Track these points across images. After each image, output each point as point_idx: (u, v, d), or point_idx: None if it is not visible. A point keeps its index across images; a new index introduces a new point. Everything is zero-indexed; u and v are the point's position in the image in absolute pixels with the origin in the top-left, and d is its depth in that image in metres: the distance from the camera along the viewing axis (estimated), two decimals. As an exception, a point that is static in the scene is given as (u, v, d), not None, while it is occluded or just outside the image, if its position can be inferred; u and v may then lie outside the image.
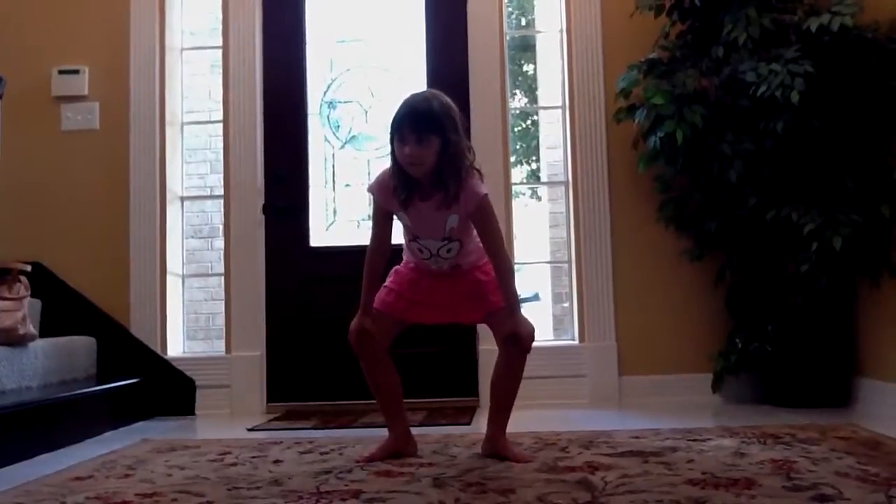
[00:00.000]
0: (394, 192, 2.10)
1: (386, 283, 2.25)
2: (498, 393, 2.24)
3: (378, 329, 2.19)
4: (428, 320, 2.28)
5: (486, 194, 2.09)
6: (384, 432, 2.31)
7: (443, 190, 2.05)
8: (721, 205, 3.11)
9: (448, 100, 2.09)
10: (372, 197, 2.20)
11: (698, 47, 3.16)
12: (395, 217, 2.20)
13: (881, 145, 2.86)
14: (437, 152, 2.02)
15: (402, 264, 2.28)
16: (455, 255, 2.18)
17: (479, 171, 2.13)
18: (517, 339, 2.12)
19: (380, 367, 2.24)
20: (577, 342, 3.51)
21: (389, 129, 2.07)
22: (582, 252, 3.49)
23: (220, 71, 3.74)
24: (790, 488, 1.70)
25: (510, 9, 4.99)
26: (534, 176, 6.76)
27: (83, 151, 3.63)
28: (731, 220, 3.11)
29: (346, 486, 1.88)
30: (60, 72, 3.64)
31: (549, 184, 5.34)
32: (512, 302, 2.14)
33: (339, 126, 3.94)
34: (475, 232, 2.17)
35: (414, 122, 2.01)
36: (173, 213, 3.70)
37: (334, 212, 4.02)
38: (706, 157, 3.02)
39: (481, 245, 2.18)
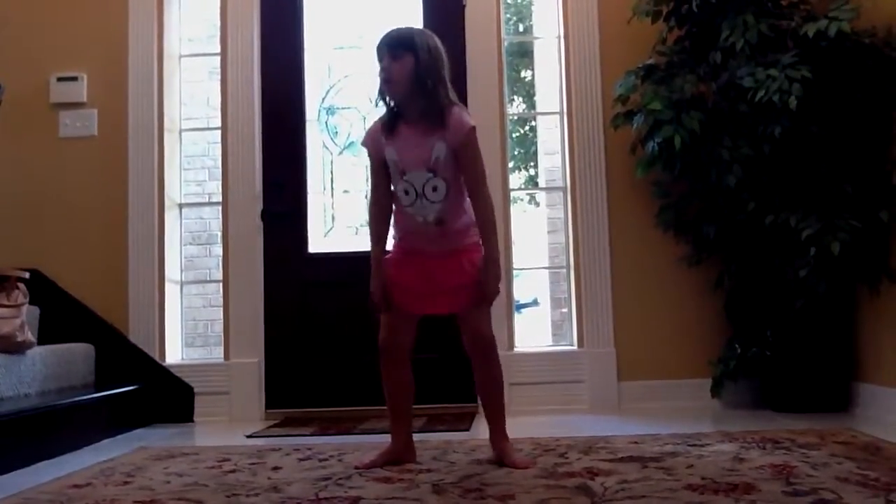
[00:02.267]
0: (381, 130, 2.22)
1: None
2: (484, 399, 2.29)
3: (397, 324, 2.22)
4: (414, 310, 2.26)
5: (473, 127, 2.16)
6: (383, 439, 2.31)
7: (425, 111, 2.14)
8: (720, 210, 3.11)
9: (434, 38, 2.21)
10: (367, 153, 2.29)
11: (696, 53, 3.17)
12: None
13: (879, 151, 2.86)
14: (411, 71, 2.14)
15: (391, 250, 2.29)
16: (441, 200, 2.17)
17: (463, 106, 2.23)
18: (483, 292, 2.16)
19: (400, 369, 2.26)
20: (575, 347, 3.50)
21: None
22: (580, 257, 3.49)
23: (219, 78, 3.74)
24: (790, 493, 1.70)
25: (508, 15, 5.00)
26: (532, 181, 6.77)
27: (81, 158, 3.63)
28: (729, 226, 3.11)
29: (346, 492, 1.88)
30: (59, 79, 3.65)
31: (548, 189, 5.36)
32: (490, 250, 2.17)
33: (337, 132, 3.94)
34: (465, 192, 2.20)
35: (388, 41, 2.19)
36: (172, 219, 3.70)
37: (332, 218, 4.02)
38: (704, 163, 3.02)
39: (472, 214, 2.20)
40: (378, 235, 2.27)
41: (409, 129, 2.18)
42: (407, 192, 2.19)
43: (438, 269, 2.19)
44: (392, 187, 2.25)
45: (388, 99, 2.21)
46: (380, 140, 2.23)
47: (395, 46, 2.17)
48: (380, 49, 2.19)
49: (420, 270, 2.20)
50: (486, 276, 2.16)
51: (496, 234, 2.21)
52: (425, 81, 2.14)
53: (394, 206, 2.27)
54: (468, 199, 2.21)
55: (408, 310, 2.22)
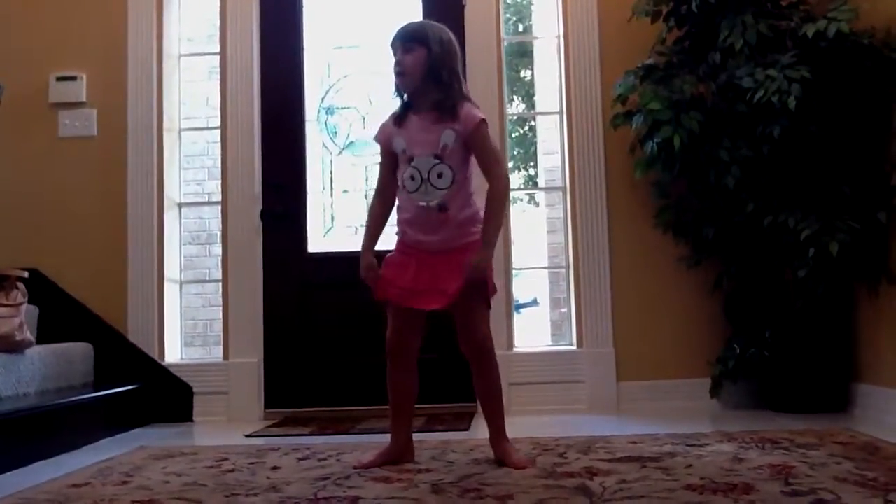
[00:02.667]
0: (393, 122, 2.27)
1: (382, 274, 2.24)
2: (483, 400, 2.29)
3: (402, 325, 2.22)
4: (411, 304, 2.24)
5: (483, 119, 2.20)
6: (382, 438, 2.31)
7: (438, 102, 2.18)
8: (719, 211, 3.12)
9: (446, 32, 2.25)
10: (379, 147, 2.33)
11: (695, 53, 3.17)
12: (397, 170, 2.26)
13: (878, 151, 2.86)
14: (424, 64, 2.18)
15: (394, 250, 2.29)
16: (447, 188, 2.17)
17: (474, 102, 2.27)
18: (476, 287, 2.14)
19: (405, 371, 2.27)
20: (575, 348, 3.50)
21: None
22: (580, 257, 3.49)
23: (218, 77, 3.74)
24: (788, 493, 1.70)
25: (507, 14, 5.00)
26: (531, 181, 6.77)
27: (81, 158, 3.63)
28: (728, 226, 3.11)
29: (344, 492, 1.88)
30: (58, 78, 3.64)
31: (547, 189, 5.36)
32: (488, 232, 2.17)
33: (336, 132, 3.94)
34: (471, 183, 2.21)
35: (401, 35, 2.24)
36: (171, 219, 3.70)
37: (332, 218, 4.01)
38: (703, 163, 3.02)
39: (478, 209, 2.21)
40: (374, 223, 2.31)
41: (419, 117, 2.22)
42: (413, 178, 2.19)
43: (439, 265, 2.18)
44: (399, 181, 2.24)
45: (402, 93, 2.26)
46: (390, 131, 2.27)
47: (408, 40, 2.21)
48: (393, 43, 2.24)
49: (420, 266, 2.19)
50: (478, 255, 2.13)
51: (503, 214, 2.23)
52: (439, 73, 2.18)
53: (397, 201, 2.28)
54: (475, 196, 2.22)
55: (406, 305, 2.21)
